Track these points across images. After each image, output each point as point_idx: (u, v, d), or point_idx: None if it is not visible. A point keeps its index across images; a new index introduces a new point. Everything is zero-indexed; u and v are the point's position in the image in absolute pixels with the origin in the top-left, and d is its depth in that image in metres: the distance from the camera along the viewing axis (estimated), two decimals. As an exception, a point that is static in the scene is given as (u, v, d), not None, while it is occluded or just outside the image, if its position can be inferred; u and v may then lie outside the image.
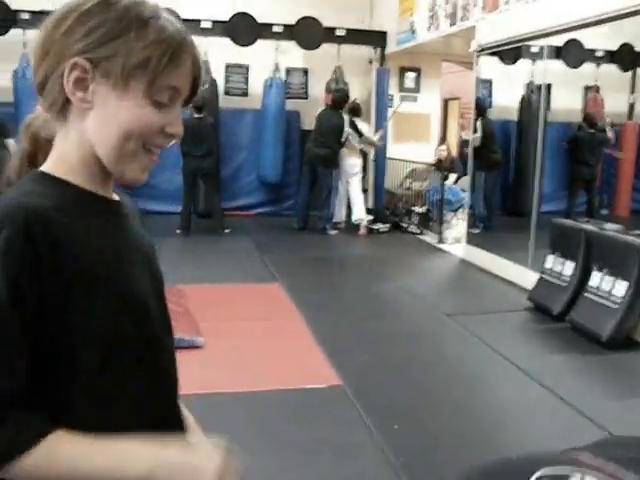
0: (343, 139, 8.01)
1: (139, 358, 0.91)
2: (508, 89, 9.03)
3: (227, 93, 9.09)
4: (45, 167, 0.89)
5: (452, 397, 3.57)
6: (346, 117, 8.04)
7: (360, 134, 8.14)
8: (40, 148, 0.93)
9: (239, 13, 8.43)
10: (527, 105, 8.72)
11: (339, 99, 8.11)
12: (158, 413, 0.95)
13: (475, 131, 7.64)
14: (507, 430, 3.22)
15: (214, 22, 8.42)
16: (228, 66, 9.12)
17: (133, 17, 0.84)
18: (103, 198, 0.92)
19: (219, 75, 8.92)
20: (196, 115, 7.37)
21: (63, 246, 0.81)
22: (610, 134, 8.25)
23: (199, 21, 8.43)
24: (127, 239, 0.96)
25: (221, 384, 3.55)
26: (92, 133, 0.86)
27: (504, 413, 3.46)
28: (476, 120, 7.68)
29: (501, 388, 3.78)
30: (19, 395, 0.78)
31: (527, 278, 5.43)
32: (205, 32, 8.44)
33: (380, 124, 9.29)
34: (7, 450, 0.77)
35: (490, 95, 9.15)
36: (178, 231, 7.55)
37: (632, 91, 9.12)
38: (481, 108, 7.83)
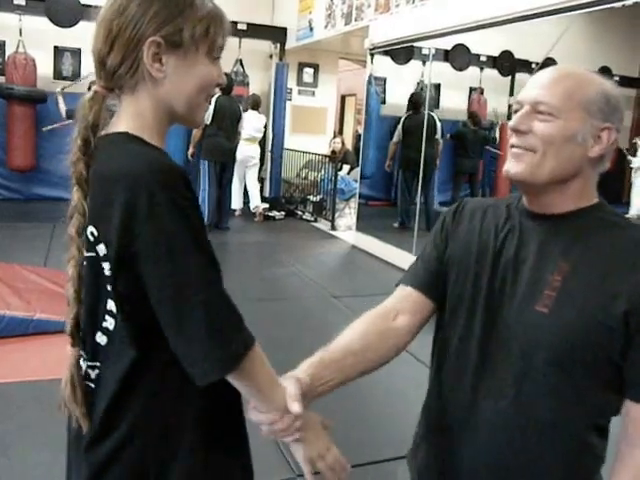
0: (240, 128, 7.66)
1: None
2: (401, 88, 9.21)
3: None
4: (124, 128, 1.02)
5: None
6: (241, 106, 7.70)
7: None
8: (100, 118, 1.04)
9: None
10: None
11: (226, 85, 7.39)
12: None
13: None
14: (392, 405, 3.27)
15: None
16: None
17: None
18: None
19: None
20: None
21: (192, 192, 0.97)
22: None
23: (99, 7, 8.09)
24: None
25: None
26: (168, 94, 1.02)
27: (384, 387, 3.50)
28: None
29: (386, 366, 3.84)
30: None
31: (410, 262, 5.50)
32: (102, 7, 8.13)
33: (278, 116, 9.29)
34: (248, 342, 0.97)
35: (384, 92, 9.32)
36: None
37: (511, 94, 9.54)
38: (415, 103, 7.68)
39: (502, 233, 1.15)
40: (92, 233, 0.99)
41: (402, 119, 7.53)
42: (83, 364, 1.06)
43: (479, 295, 1.14)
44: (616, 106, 1.08)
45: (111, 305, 0.99)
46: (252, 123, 8.11)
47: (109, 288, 0.98)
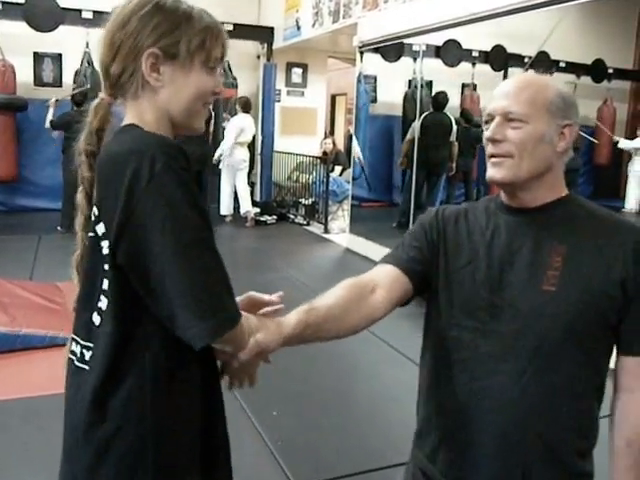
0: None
1: None
2: (392, 85, 9.23)
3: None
4: (130, 122, 1.11)
5: (329, 380, 3.60)
6: None
7: None
8: (106, 123, 1.15)
9: (122, 5, 8.12)
10: (410, 101, 8.95)
11: None
12: None
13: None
14: (384, 411, 3.28)
15: (95, 12, 8.09)
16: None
17: (181, 12, 1.11)
18: None
19: (103, 67, 8.57)
20: (76, 109, 7.22)
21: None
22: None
23: (81, 11, 8.10)
24: None
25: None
26: (166, 102, 1.11)
27: (380, 393, 3.52)
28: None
29: (377, 369, 3.85)
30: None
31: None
32: (86, 23, 8.12)
33: (267, 117, 9.30)
34: (235, 317, 1.02)
35: (374, 91, 9.33)
36: (59, 228, 7.18)
37: (504, 89, 9.54)
38: (438, 103, 7.56)
39: (489, 231, 1.29)
40: (94, 213, 1.07)
41: (421, 117, 7.33)
42: (76, 347, 1.11)
43: (480, 287, 1.26)
44: (572, 103, 1.25)
45: (106, 285, 1.06)
46: (252, 128, 8.18)
47: (106, 267, 1.05)
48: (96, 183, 1.09)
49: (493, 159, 1.24)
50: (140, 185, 0.97)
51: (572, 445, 1.22)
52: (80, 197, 1.15)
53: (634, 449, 1.18)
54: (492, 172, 1.25)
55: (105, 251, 1.04)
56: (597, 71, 9.95)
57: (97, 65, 1.15)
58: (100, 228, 1.05)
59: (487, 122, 1.26)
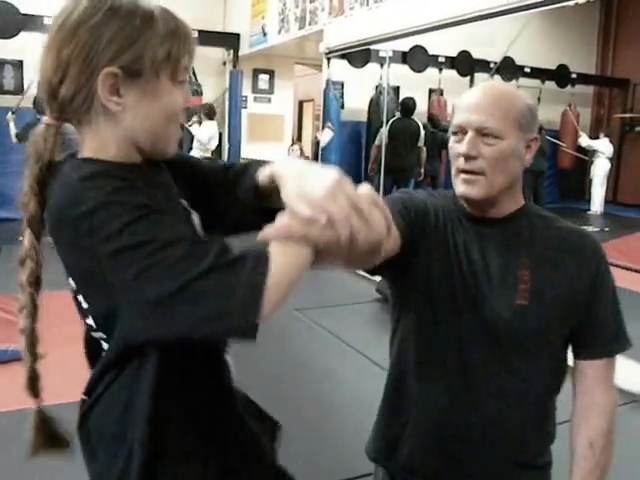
0: None
1: None
2: (360, 92, 9.28)
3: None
4: (87, 155, 0.92)
5: (300, 388, 3.57)
6: None
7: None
8: (57, 152, 0.95)
9: (84, 10, 8.04)
10: (375, 106, 9.01)
11: None
12: None
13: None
14: (356, 418, 3.26)
15: (57, 19, 8.00)
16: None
17: (140, 16, 0.89)
18: None
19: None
20: (39, 116, 7.06)
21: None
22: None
23: (43, 17, 7.98)
24: None
25: (65, 393, 3.34)
26: (130, 128, 0.91)
27: (352, 400, 3.50)
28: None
29: (348, 376, 3.83)
30: None
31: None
32: (48, 29, 8.01)
33: (234, 124, 9.27)
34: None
35: (342, 97, 9.37)
36: (21, 238, 7.00)
37: (471, 94, 9.64)
38: (406, 108, 7.59)
39: (460, 245, 1.25)
40: (72, 288, 0.97)
41: (389, 123, 7.35)
42: None
43: (455, 302, 1.22)
44: (536, 115, 1.23)
45: (99, 335, 0.97)
46: (217, 135, 8.12)
47: (88, 321, 0.97)
48: (56, 243, 0.92)
49: (464, 175, 1.19)
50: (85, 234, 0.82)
51: (541, 447, 1.28)
52: (28, 241, 0.98)
53: (595, 450, 1.21)
54: (465, 189, 1.19)
55: (85, 306, 0.96)
56: (561, 76, 10.16)
57: (40, 81, 0.94)
58: (72, 284, 0.95)
59: (455, 133, 1.20)
